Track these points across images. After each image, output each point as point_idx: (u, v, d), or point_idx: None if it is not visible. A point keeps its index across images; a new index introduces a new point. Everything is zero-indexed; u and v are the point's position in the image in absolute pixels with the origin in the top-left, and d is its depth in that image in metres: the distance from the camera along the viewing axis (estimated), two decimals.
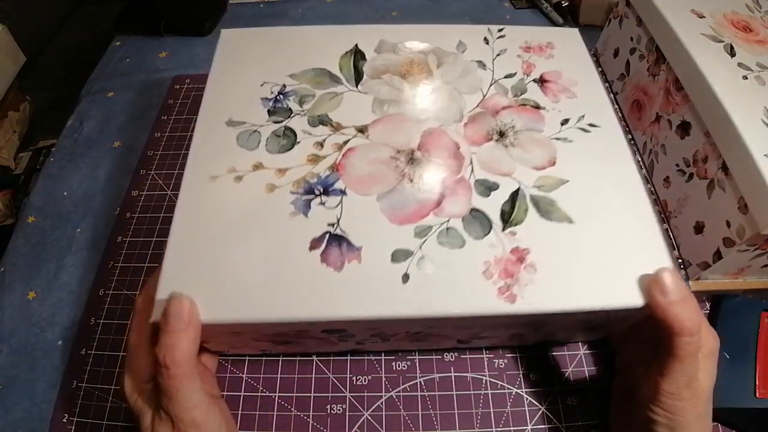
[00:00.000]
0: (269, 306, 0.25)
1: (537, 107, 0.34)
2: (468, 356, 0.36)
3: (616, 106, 0.49)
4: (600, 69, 0.52)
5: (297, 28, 0.38)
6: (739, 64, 0.36)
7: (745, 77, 0.35)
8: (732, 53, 0.36)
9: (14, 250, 0.43)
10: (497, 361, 0.36)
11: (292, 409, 0.34)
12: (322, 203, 0.28)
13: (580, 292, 0.26)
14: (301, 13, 0.64)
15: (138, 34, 0.62)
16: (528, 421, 0.34)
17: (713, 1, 0.41)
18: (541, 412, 0.34)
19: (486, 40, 0.38)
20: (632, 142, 0.46)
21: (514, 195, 0.29)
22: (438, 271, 0.26)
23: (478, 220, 0.28)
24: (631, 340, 0.31)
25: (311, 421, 0.33)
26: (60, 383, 0.35)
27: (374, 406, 0.34)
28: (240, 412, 0.34)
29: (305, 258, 0.27)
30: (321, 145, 0.31)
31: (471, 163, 0.30)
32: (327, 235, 0.27)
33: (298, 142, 0.31)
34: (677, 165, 0.39)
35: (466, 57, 0.36)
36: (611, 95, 0.50)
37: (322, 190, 0.29)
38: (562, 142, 0.32)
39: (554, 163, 0.31)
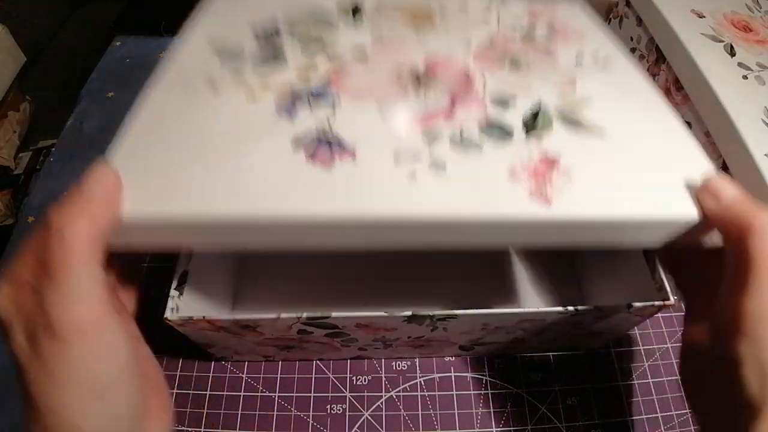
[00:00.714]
0: (245, 201, 0.20)
1: (547, 45, 0.30)
2: (468, 355, 0.36)
3: None
4: None
5: None
6: (739, 64, 0.36)
7: (745, 77, 0.35)
8: (732, 53, 0.36)
9: (14, 250, 0.43)
10: (497, 361, 0.36)
11: (292, 409, 0.34)
12: (311, 109, 0.24)
13: (625, 198, 0.22)
14: None
15: (138, 34, 0.62)
16: (528, 421, 0.34)
17: (713, 1, 0.41)
18: (541, 412, 0.34)
19: (488, 8, 0.34)
20: None
21: (536, 108, 0.25)
22: (452, 172, 0.21)
23: (496, 128, 0.23)
24: (699, 283, 0.25)
25: (311, 421, 0.33)
26: None
27: (374, 406, 0.34)
28: (240, 412, 0.34)
29: (290, 159, 0.21)
30: (312, 60, 0.26)
31: (484, 79, 0.26)
32: (315, 136, 0.22)
33: (287, 60, 0.26)
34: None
35: (470, 9, 0.33)
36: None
37: (311, 96, 0.24)
38: (579, 68, 0.28)
39: (574, 83, 0.27)
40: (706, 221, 0.21)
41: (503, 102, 0.25)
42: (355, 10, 0.31)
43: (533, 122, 0.24)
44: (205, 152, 0.22)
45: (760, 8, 0.41)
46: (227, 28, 0.29)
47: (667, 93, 0.41)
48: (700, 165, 0.23)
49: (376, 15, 0.31)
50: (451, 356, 0.36)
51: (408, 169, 0.21)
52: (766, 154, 0.30)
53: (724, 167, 0.33)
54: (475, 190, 0.21)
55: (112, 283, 0.23)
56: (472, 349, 0.34)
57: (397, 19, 0.30)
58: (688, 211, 0.21)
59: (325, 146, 0.22)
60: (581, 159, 0.23)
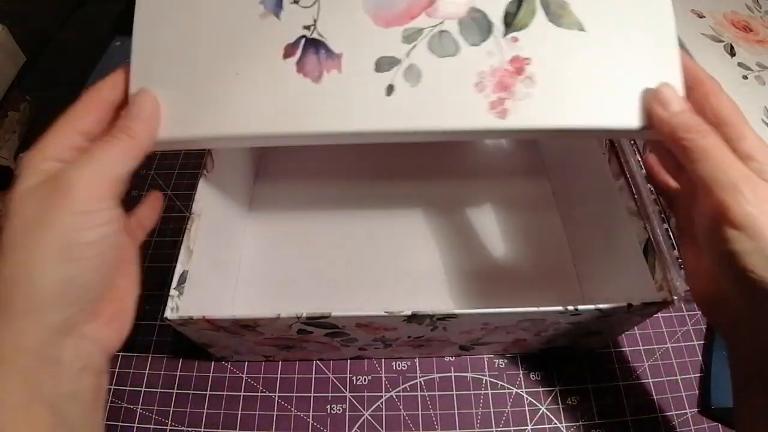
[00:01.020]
0: (242, 120, 0.24)
1: None
2: (468, 356, 0.36)
3: None
4: None
5: None
6: (739, 64, 0.36)
7: (745, 77, 0.35)
8: (732, 53, 0.36)
9: None
10: (497, 361, 0.36)
11: (292, 409, 0.34)
12: (296, 2, 0.25)
13: (578, 110, 0.23)
14: None
15: None
16: (528, 421, 0.34)
17: (713, 1, 0.41)
18: (541, 412, 0.34)
19: None
20: (632, 142, 0.46)
21: None
22: (426, 82, 0.24)
23: (476, 23, 0.24)
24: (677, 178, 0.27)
25: (311, 421, 0.33)
26: None
27: (374, 406, 0.34)
28: (240, 412, 0.34)
29: (279, 67, 0.24)
30: None
31: None
32: (303, 40, 0.24)
33: None
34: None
35: None
36: None
37: None
38: None
39: None
40: (653, 126, 0.23)
41: None
42: None
43: (515, 13, 0.24)
44: (210, 70, 0.24)
45: (760, 8, 0.41)
46: None
47: None
48: (671, 75, 0.24)
49: None
50: (451, 356, 0.36)
51: (387, 80, 0.24)
52: None
53: None
54: (441, 104, 0.23)
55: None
56: (472, 349, 0.34)
57: None
58: (632, 123, 0.23)
59: (312, 53, 0.24)
60: (550, 64, 0.24)
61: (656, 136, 0.24)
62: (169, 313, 0.26)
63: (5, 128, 0.48)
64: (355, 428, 0.33)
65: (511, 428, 0.33)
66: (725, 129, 0.22)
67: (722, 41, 0.37)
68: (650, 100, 0.24)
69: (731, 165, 0.21)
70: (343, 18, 0.24)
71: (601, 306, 0.26)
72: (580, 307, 0.26)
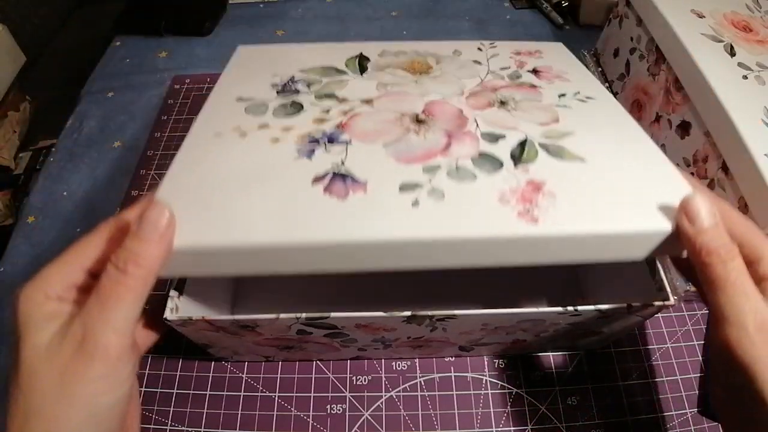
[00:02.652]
0: (267, 229, 0.23)
1: (533, 86, 0.34)
2: (468, 356, 0.36)
3: None
4: (600, 69, 0.52)
5: (306, 45, 0.39)
6: (739, 64, 0.36)
7: (745, 77, 0.35)
8: (732, 53, 0.36)
9: (14, 250, 0.43)
10: (497, 361, 0.36)
11: (292, 409, 0.34)
12: (327, 150, 0.27)
13: (606, 216, 0.24)
14: (301, 13, 0.64)
15: (138, 34, 0.62)
16: (528, 421, 0.34)
17: (713, 1, 0.41)
18: (541, 412, 0.34)
19: (479, 49, 0.38)
20: None
21: (523, 142, 0.28)
22: (450, 199, 0.24)
23: (488, 160, 0.27)
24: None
25: (311, 421, 0.33)
26: None
27: (374, 406, 0.34)
28: (240, 412, 0.34)
29: (308, 191, 0.25)
30: (327, 112, 0.30)
31: (476, 121, 0.29)
32: (331, 173, 0.26)
33: (305, 110, 0.30)
34: (677, 165, 0.39)
35: (463, 58, 0.37)
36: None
37: (327, 140, 0.28)
38: (562, 108, 0.31)
39: (557, 121, 0.30)
40: (680, 240, 0.23)
41: (493, 137, 0.28)
42: (362, 66, 0.35)
43: (520, 154, 0.27)
44: (238, 189, 0.25)
45: (760, 8, 0.41)
46: (251, 84, 0.33)
47: (667, 93, 0.41)
48: (678, 186, 0.25)
49: (381, 68, 0.35)
50: (451, 356, 0.36)
51: (411, 197, 0.24)
52: (766, 154, 0.30)
53: (724, 167, 0.33)
54: (469, 214, 0.24)
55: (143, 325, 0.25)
56: (472, 350, 0.34)
57: (399, 72, 0.35)
58: (664, 225, 0.23)
59: (339, 181, 0.25)
60: (565, 183, 0.25)
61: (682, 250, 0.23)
62: (168, 314, 0.26)
63: (5, 128, 0.49)
64: (355, 428, 0.33)
65: (511, 428, 0.33)
66: (743, 250, 0.22)
67: (722, 41, 0.37)
68: (678, 213, 0.23)
69: (744, 300, 0.21)
70: (368, 158, 0.27)
71: (601, 306, 0.26)
72: (579, 307, 0.26)
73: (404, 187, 0.25)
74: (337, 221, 0.23)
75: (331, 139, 0.28)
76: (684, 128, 0.39)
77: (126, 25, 0.62)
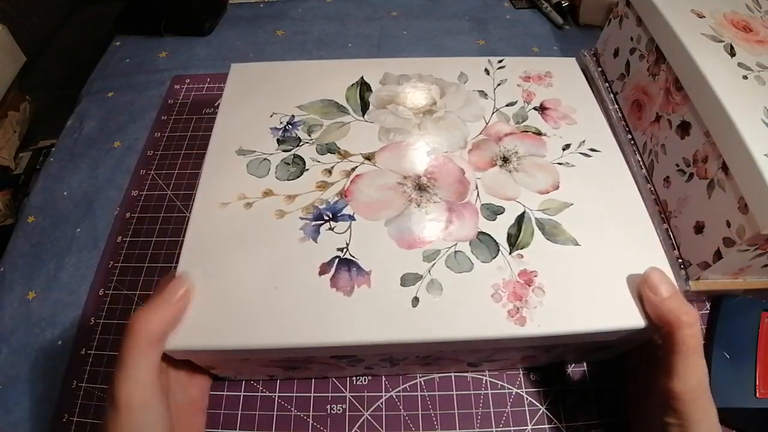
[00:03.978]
0: (277, 332, 0.25)
1: (538, 133, 0.34)
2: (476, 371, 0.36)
3: (616, 106, 0.49)
4: (600, 69, 0.52)
5: (304, 63, 0.39)
6: (739, 64, 0.36)
7: (745, 77, 0.35)
8: (732, 53, 0.36)
9: (14, 250, 0.43)
10: None
11: (292, 409, 0.34)
12: (331, 228, 0.29)
13: (587, 315, 0.26)
14: (301, 13, 0.64)
15: (138, 34, 0.62)
16: (528, 421, 0.34)
17: (713, 1, 0.41)
18: (541, 412, 0.34)
19: (486, 71, 0.38)
20: (632, 141, 0.46)
21: (520, 218, 0.29)
22: (447, 294, 0.26)
23: (485, 243, 0.28)
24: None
25: (311, 421, 0.33)
26: (60, 383, 0.35)
27: (374, 406, 0.34)
28: (240, 412, 0.34)
29: (315, 282, 0.27)
30: (329, 172, 0.31)
31: (476, 188, 0.31)
32: (336, 260, 0.27)
33: (307, 170, 0.32)
34: (677, 165, 0.39)
35: (468, 87, 0.37)
36: (611, 95, 0.50)
37: (330, 216, 0.29)
38: (564, 167, 0.32)
39: (557, 187, 0.31)
40: (645, 310, 0.26)
41: (492, 213, 0.30)
42: (363, 99, 0.36)
43: (517, 235, 0.29)
44: (247, 283, 0.27)
45: (760, 8, 0.41)
46: (250, 130, 0.34)
47: (667, 93, 0.41)
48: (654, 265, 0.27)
49: (383, 104, 0.35)
50: (460, 372, 0.36)
51: (412, 293, 0.26)
52: (766, 154, 0.30)
53: (724, 167, 0.33)
54: (463, 315, 0.26)
55: (164, 369, 0.27)
56: (481, 365, 0.34)
57: (401, 111, 0.35)
58: (638, 323, 0.26)
59: (344, 270, 0.27)
60: (554, 275, 0.27)
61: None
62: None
63: (5, 128, 0.49)
64: (355, 428, 0.33)
65: (511, 428, 0.33)
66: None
67: (722, 41, 0.37)
68: (639, 287, 0.26)
69: (696, 361, 0.25)
70: (371, 242, 0.28)
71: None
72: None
73: (406, 280, 0.27)
74: (344, 325, 0.25)
75: (335, 213, 0.29)
76: (684, 128, 0.38)
77: (126, 25, 0.62)
